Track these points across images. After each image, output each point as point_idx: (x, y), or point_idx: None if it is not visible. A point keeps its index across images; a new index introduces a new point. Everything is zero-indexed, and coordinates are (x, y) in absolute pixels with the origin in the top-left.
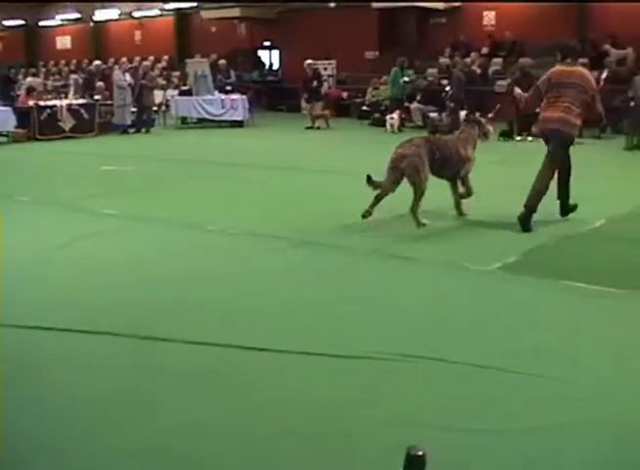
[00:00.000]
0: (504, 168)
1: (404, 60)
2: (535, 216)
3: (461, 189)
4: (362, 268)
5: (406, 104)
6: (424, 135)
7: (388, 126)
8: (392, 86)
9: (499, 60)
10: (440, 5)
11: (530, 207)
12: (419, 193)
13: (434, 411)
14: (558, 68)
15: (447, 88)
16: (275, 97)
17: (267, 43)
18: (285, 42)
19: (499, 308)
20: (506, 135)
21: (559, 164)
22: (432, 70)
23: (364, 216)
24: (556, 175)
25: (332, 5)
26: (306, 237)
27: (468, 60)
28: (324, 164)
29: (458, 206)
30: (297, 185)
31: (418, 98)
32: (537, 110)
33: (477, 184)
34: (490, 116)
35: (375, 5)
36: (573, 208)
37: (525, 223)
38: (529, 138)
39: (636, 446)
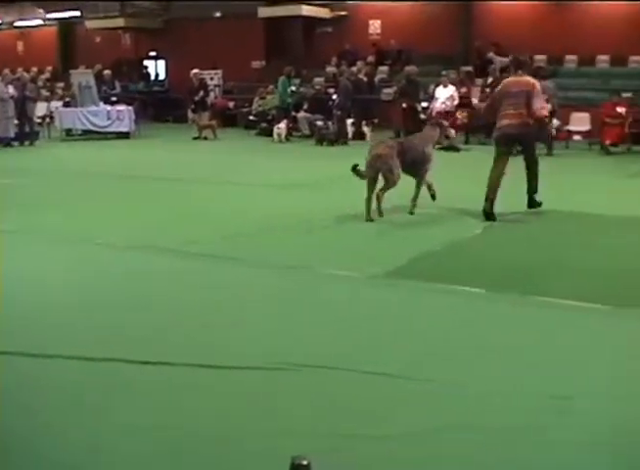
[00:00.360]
0: None
1: (291, 69)
2: (426, 221)
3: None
4: (250, 279)
5: (293, 113)
6: (396, 138)
7: (275, 136)
8: (279, 95)
9: (385, 68)
10: (327, 14)
11: (491, 199)
12: (389, 185)
13: (326, 420)
14: (510, 79)
15: (334, 97)
16: (161, 108)
17: (153, 53)
18: (171, 52)
19: (384, 315)
20: None
21: (536, 162)
22: (318, 79)
23: (367, 217)
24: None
25: (218, 14)
26: (193, 248)
27: (354, 68)
28: (212, 174)
29: (433, 195)
30: (186, 196)
31: (305, 107)
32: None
33: (362, 192)
34: (375, 121)
35: (261, 14)
36: (539, 203)
37: (487, 215)
38: None
39: (519, 449)
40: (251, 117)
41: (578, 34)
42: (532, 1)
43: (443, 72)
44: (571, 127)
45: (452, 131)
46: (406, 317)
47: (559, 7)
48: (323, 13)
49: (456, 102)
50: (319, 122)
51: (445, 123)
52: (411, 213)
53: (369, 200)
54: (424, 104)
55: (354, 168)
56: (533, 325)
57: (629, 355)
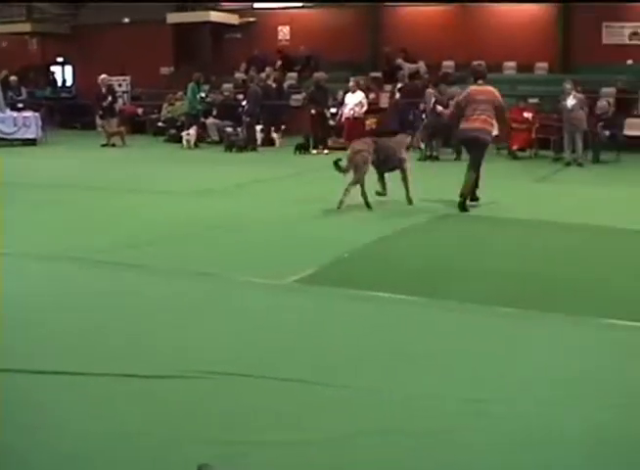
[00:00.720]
0: (298, 182)
1: (200, 75)
2: (341, 225)
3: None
4: (162, 287)
5: (202, 119)
6: (373, 138)
7: (184, 142)
8: (189, 102)
9: (294, 74)
10: (235, 20)
11: (464, 195)
12: (355, 179)
13: (242, 427)
14: (473, 87)
15: (244, 103)
16: (69, 114)
17: (60, 59)
18: (78, 58)
19: (298, 322)
20: (302, 149)
21: (480, 163)
22: (227, 85)
23: (339, 207)
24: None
25: (126, 20)
26: (102, 256)
27: (263, 74)
28: (121, 181)
29: (407, 196)
30: (95, 204)
31: (214, 113)
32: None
33: (272, 199)
34: (283, 128)
35: (170, 20)
36: (477, 198)
37: (462, 208)
38: (325, 151)
39: (438, 452)
40: (159, 124)
41: (486, 41)
42: (437, 3)
43: (352, 79)
44: None
45: (421, 143)
46: (320, 324)
47: (466, 11)
48: (232, 19)
49: (365, 108)
50: (228, 129)
51: (417, 135)
52: (410, 202)
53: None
54: (332, 110)
55: (335, 163)
56: (444, 329)
57: (536, 359)
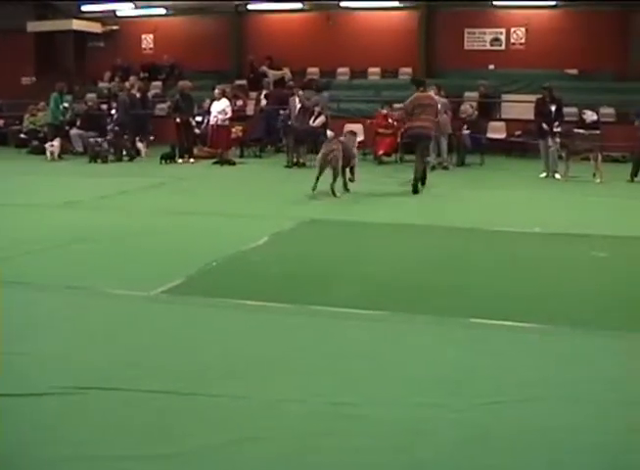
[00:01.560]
0: (165, 192)
1: (63, 85)
2: (210, 234)
3: (349, 175)
4: (22, 303)
5: (67, 128)
6: (340, 138)
7: (48, 154)
8: (51, 112)
9: (159, 83)
10: (98, 28)
11: (416, 180)
12: (336, 175)
13: (111, 441)
14: (417, 94)
15: (113, 112)
16: None
17: None
18: None
19: (165, 333)
20: (168, 158)
21: (426, 153)
22: (91, 95)
23: (313, 189)
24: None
25: None
26: None
27: (127, 84)
28: None
29: (346, 185)
30: None
31: (78, 124)
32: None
33: (139, 209)
34: (152, 138)
35: (30, 29)
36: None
37: (415, 190)
38: (191, 160)
39: (309, 456)
40: (22, 136)
41: (350, 48)
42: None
43: (218, 87)
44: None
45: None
46: (187, 334)
47: (330, 18)
48: (95, 27)
49: (228, 115)
50: (91, 139)
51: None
52: (347, 190)
53: (317, 180)
54: (198, 118)
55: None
56: (312, 334)
57: (405, 360)
